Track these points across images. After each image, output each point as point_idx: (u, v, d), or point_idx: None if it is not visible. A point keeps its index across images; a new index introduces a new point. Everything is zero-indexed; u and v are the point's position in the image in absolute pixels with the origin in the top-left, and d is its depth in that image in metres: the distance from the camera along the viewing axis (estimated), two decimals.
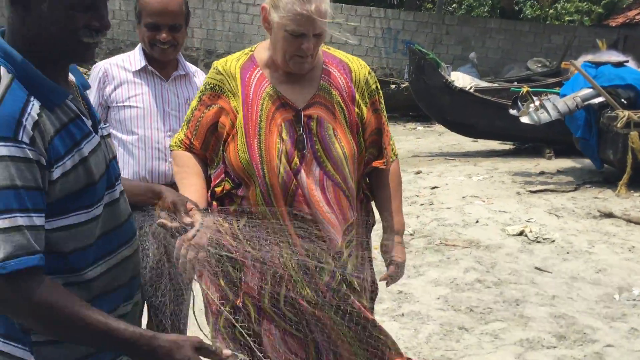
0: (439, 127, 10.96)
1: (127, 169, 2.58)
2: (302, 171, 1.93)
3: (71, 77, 1.45)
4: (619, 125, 6.55)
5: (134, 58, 2.62)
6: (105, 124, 1.54)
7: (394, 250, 2.17)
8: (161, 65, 2.60)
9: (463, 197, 6.75)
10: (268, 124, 1.91)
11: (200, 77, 2.77)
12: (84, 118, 1.38)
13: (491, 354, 3.41)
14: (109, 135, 1.54)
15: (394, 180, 2.20)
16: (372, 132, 2.09)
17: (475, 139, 9.97)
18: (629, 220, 5.77)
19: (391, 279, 2.19)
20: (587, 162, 7.79)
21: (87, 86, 1.52)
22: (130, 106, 2.55)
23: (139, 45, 2.64)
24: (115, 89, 2.56)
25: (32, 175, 1.23)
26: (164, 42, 2.49)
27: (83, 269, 1.36)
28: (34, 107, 1.26)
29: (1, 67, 1.28)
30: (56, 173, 1.27)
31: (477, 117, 8.93)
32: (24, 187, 1.22)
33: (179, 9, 2.49)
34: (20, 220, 1.21)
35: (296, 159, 1.92)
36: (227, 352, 1.34)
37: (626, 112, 6.55)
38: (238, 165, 1.92)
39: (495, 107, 8.86)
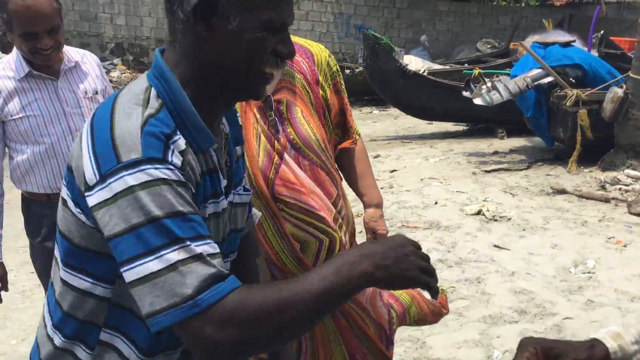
0: (394, 111, 11.07)
1: (40, 180, 2.47)
2: (277, 155, 1.95)
3: (224, 125, 1.29)
4: (568, 103, 6.75)
5: (15, 64, 2.42)
6: (242, 190, 1.34)
7: (377, 223, 2.24)
8: (46, 65, 2.42)
9: (421, 179, 6.88)
10: (243, 111, 1.93)
11: (89, 59, 2.61)
12: (220, 175, 1.20)
13: (456, 331, 3.51)
14: (244, 204, 1.34)
15: (363, 156, 2.27)
16: (336, 114, 2.14)
17: (430, 121, 10.13)
18: (581, 196, 5.98)
19: None
20: (538, 140, 8.01)
21: (240, 141, 1.34)
22: (27, 116, 2.40)
23: (15, 50, 2.42)
24: (5, 101, 2.39)
25: (192, 200, 1.06)
26: (46, 48, 2.32)
27: None
28: (180, 139, 1.08)
29: (152, 88, 1.11)
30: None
31: (431, 100, 9.07)
32: (189, 213, 1.03)
33: (51, 10, 2.28)
34: (198, 248, 1.01)
35: (269, 144, 1.94)
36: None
37: (575, 91, 6.76)
38: None
39: (449, 90, 9.00)
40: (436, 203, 5.94)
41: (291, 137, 1.95)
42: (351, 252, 1.10)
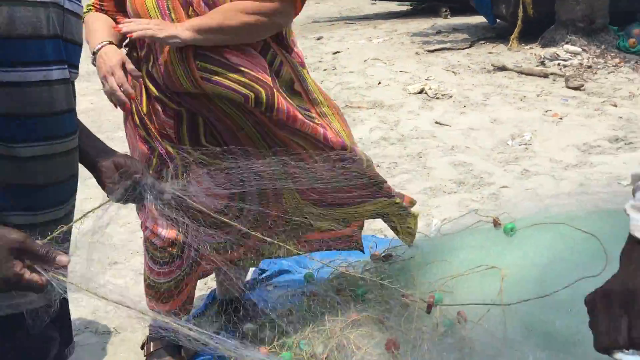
0: None
1: None
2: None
3: None
4: None
5: None
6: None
7: None
8: None
9: (365, 60, 6.81)
10: None
11: None
12: None
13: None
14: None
15: None
16: None
17: (373, 1, 9.91)
18: (520, 72, 6.06)
19: None
20: (481, 19, 7.96)
21: None
22: None
23: None
24: None
25: None
26: None
27: (10, 141, 1.10)
28: None
29: None
30: None
31: None
32: None
33: None
34: None
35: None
36: (63, 258, 1.01)
37: None
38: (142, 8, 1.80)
39: None
40: (379, 83, 5.93)
41: None
42: None
